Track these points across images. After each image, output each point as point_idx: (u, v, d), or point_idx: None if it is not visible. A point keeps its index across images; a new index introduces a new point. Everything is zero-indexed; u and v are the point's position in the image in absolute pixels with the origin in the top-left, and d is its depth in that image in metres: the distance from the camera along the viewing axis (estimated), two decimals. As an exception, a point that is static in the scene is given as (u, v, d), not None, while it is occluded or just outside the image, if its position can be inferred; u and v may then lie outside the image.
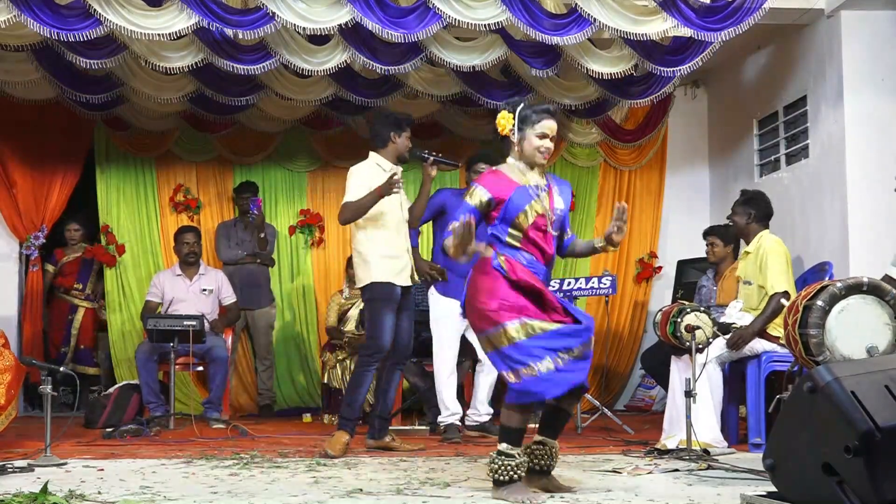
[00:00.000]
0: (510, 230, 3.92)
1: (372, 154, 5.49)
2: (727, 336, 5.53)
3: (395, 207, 5.41)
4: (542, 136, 3.94)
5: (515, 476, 3.77)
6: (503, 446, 3.81)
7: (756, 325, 5.49)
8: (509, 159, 4.02)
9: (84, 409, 7.15)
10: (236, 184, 8.27)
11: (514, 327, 3.78)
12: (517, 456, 3.80)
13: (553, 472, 4.05)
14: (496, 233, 3.95)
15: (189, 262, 7.41)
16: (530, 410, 3.87)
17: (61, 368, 5.39)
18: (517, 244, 3.92)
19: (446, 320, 5.99)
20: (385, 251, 5.36)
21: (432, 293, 6.11)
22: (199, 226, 8.13)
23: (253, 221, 7.82)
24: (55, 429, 4.98)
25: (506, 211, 3.90)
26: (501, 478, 3.77)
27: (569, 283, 6.94)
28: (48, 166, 8.05)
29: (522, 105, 3.99)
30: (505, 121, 3.97)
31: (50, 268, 8.09)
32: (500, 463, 3.77)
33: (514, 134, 3.96)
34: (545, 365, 3.74)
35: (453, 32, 6.45)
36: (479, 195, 3.93)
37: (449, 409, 6.04)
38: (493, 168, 4.07)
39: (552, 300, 3.88)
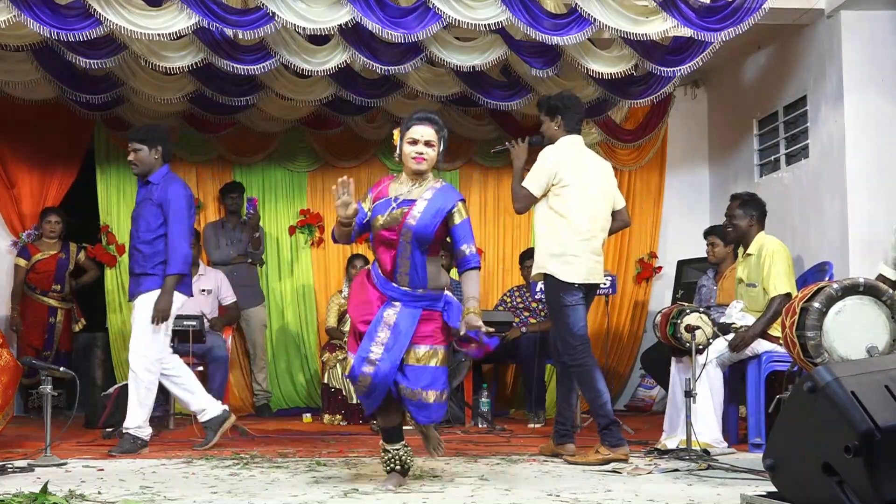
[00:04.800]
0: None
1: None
2: (727, 336, 5.53)
3: None
4: (412, 142, 4.03)
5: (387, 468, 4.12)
6: (381, 443, 4.19)
7: (757, 327, 5.48)
8: (403, 171, 4.17)
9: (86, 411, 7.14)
10: (223, 184, 8.27)
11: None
12: (390, 451, 4.10)
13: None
14: None
15: None
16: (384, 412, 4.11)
17: (60, 369, 5.39)
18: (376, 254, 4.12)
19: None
20: None
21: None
22: (200, 226, 8.13)
23: (249, 220, 7.85)
24: (55, 429, 4.99)
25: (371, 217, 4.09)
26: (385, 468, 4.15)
27: (569, 283, 6.92)
28: (48, 166, 8.05)
29: (404, 119, 4.15)
30: (395, 137, 4.12)
31: (22, 262, 7.72)
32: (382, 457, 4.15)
33: (398, 149, 4.11)
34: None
35: (453, 32, 6.45)
36: (365, 199, 4.15)
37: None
38: (393, 174, 4.26)
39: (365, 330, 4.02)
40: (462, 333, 4.00)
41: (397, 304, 3.98)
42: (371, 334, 3.94)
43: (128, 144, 5.62)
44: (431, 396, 4.00)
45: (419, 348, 3.99)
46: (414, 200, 4.01)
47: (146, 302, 5.41)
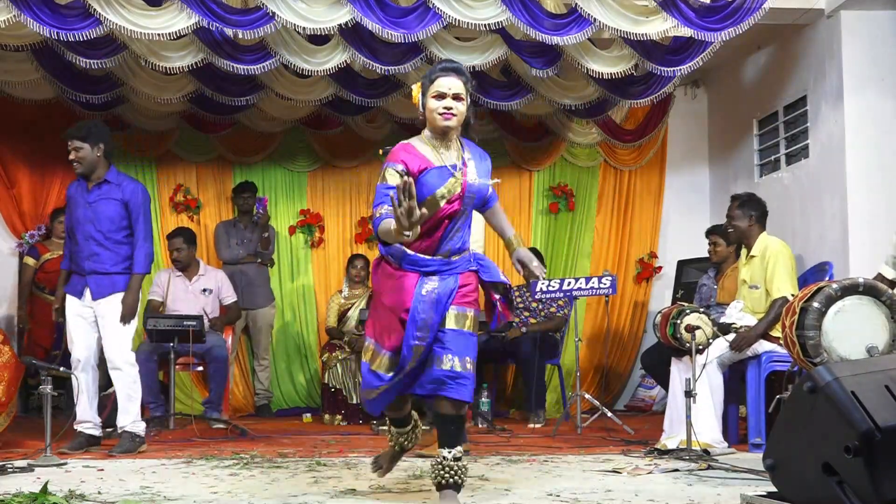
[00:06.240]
0: None
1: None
2: (727, 336, 5.53)
3: None
4: (440, 97, 3.54)
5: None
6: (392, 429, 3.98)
7: (759, 328, 5.48)
8: (424, 132, 3.66)
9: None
10: (236, 184, 8.27)
11: (368, 347, 3.71)
12: (403, 432, 3.95)
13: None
14: None
15: (175, 268, 7.36)
16: (393, 410, 3.84)
17: (60, 369, 5.39)
18: None
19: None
20: None
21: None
22: (199, 226, 8.12)
23: (258, 220, 7.86)
24: (55, 429, 4.99)
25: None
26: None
27: (569, 283, 6.93)
28: (48, 166, 8.04)
29: (426, 73, 3.66)
30: (415, 92, 3.65)
31: (31, 261, 7.71)
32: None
33: (420, 106, 3.63)
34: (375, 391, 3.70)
35: (453, 32, 6.46)
36: (392, 172, 3.50)
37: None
38: (404, 141, 3.67)
39: (402, 318, 3.55)
40: (522, 275, 3.82)
41: (434, 276, 3.56)
42: (414, 319, 3.50)
43: (67, 144, 5.51)
44: (469, 365, 3.52)
45: (460, 309, 3.55)
46: (463, 162, 3.60)
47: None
